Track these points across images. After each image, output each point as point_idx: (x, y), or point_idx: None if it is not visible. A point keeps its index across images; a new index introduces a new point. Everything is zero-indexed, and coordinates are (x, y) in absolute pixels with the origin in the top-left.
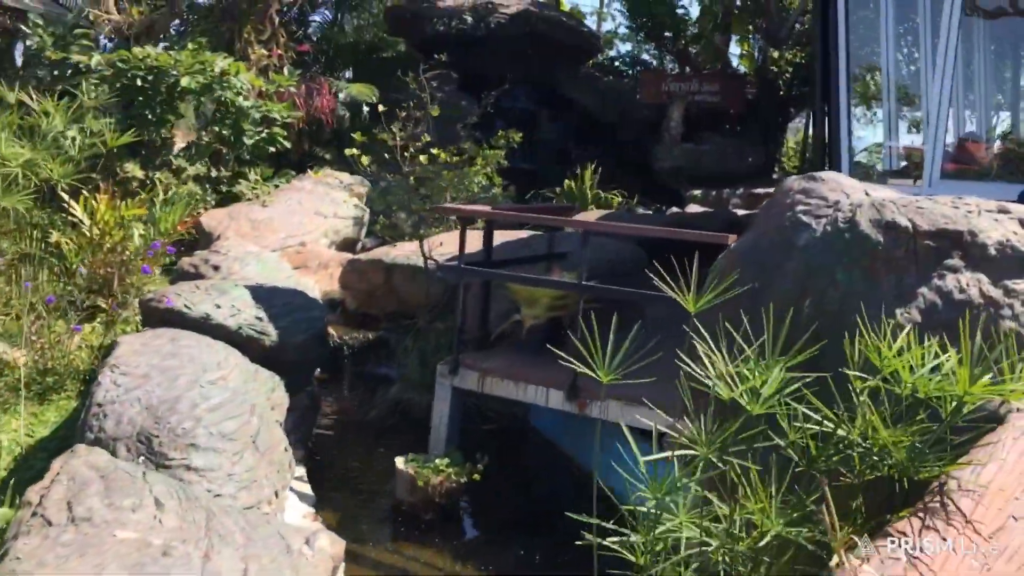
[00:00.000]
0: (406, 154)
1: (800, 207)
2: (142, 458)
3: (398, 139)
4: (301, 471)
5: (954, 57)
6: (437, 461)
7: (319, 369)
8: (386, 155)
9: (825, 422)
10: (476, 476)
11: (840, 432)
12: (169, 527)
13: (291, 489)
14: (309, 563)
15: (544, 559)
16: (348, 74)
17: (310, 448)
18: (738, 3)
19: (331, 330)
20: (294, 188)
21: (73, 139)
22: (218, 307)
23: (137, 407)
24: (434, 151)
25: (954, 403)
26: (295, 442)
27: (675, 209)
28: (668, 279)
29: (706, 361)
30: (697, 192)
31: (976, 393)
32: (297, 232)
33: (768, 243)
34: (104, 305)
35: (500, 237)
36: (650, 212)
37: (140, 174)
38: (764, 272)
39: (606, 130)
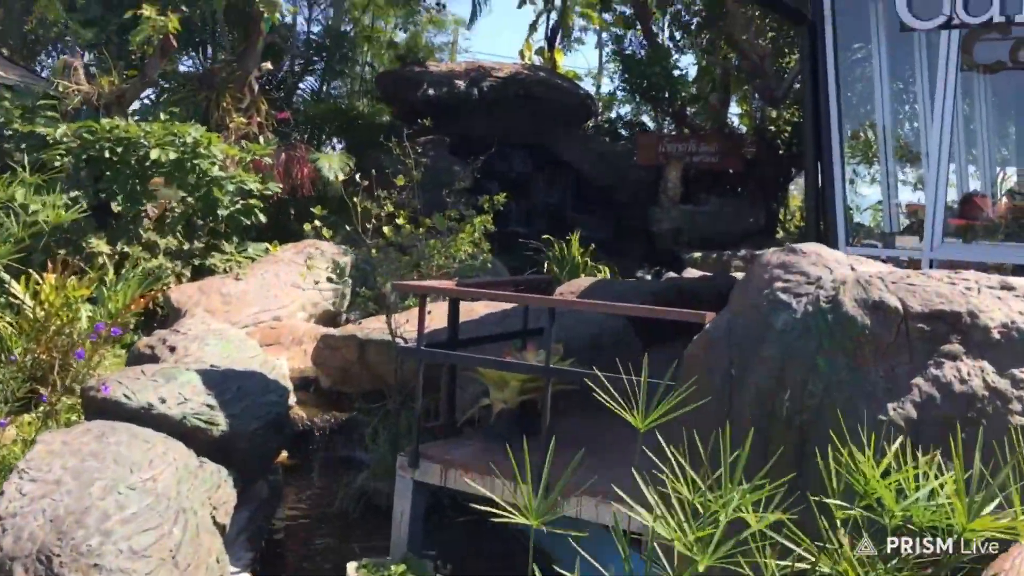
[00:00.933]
0: (395, 223)
1: (778, 284)
2: None
3: (383, 207)
4: None
5: (951, 112)
6: (393, 568)
7: (286, 453)
8: (368, 224)
9: (802, 557)
10: None
11: (823, 569)
12: None
13: None
14: None
15: None
16: (334, 141)
17: (262, 547)
18: (736, 63)
19: (301, 411)
20: (271, 260)
21: (16, 215)
22: (161, 396)
23: (40, 520)
24: (424, 219)
25: (952, 538)
26: (246, 540)
27: (671, 274)
28: (610, 396)
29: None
30: (697, 255)
31: (978, 529)
32: (272, 306)
33: (744, 325)
34: (46, 393)
35: (484, 309)
36: (647, 277)
37: (106, 249)
38: (741, 357)
39: (603, 193)
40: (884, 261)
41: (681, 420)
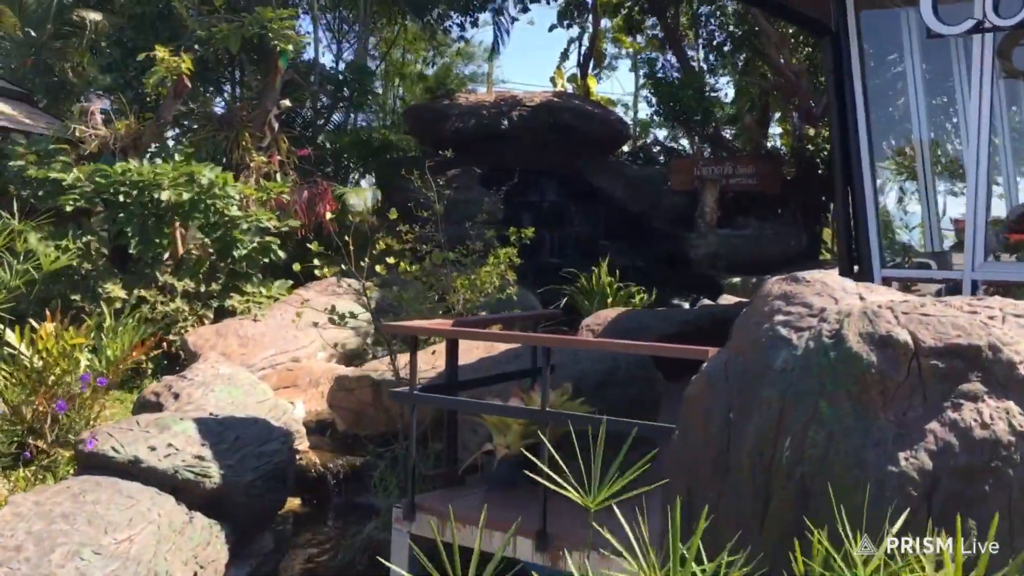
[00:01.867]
0: (418, 257)
1: (779, 317)
2: None
3: (404, 242)
4: None
5: (988, 122)
6: None
7: (299, 501)
8: (391, 262)
9: None
10: None
11: None
12: None
13: None
14: None
15: None
16: (357, 176)
17: None
18: (772, 82)
19: (315, 456)
20: (293, 299)
21: (8, 265)
22: (152, 448)
23: None
24: (449, 253)
25: None
26: None
27: (706, 301)
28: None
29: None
30: (735, 280)
31: None
32: (290, 347)
33: (742, 363)
34: (43, 447)
35: (503, 345)
36: (684, 305)
37: (122, 293)
38: (741, 399)
39: (638, 220)
40: (938, 283)
41: (679, 471)
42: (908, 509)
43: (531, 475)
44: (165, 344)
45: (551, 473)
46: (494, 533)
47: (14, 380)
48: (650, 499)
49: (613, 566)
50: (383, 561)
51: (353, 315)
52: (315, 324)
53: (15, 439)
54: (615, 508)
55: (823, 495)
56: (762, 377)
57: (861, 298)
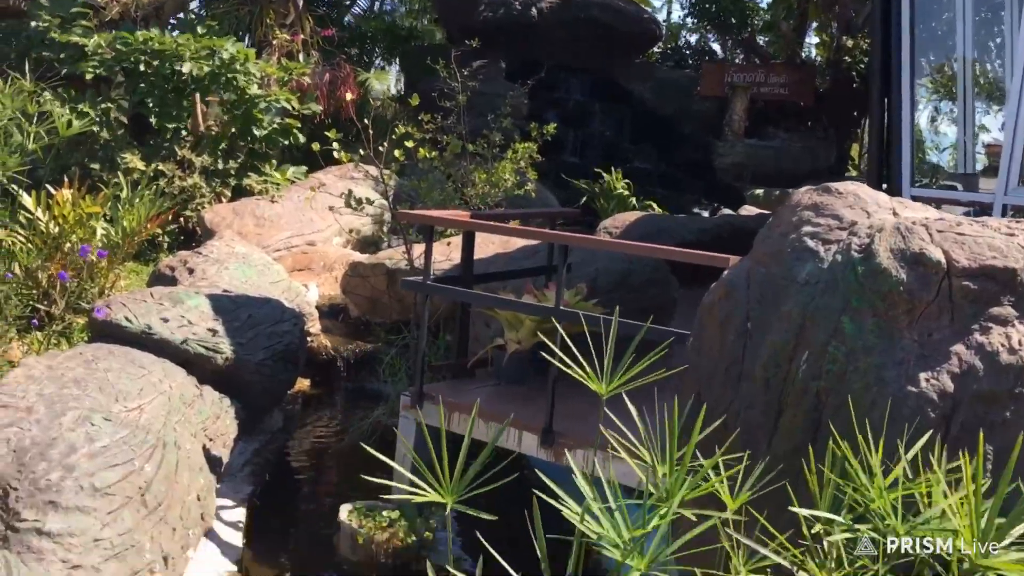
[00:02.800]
0: (443, 149)
1: (806, 228)
2: None
3: (425, 130)
4: (240, 514)
5: None
6: (385, 513)
7: (309, 382)
8: (409, 146)
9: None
10: (428, 535)
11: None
12: None
13: (215, 539)
14: None
15: None
16: (381, 62)
17: (266, 480)
18: None
19: (327, 340)
20: (311, 182)
21: (25, 129)
22: (164, 320)
23: (4, 449)
24: (469, 145)
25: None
26: (250, 473)
27: (727, 211)
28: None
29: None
30: (759, 192)
31: (996, 568)
32: (306, 231)
33: (764, 275)
34: (57, 313)
35: (520, 242)
36: (704, 214)
37: (141, 165)
38: (760, 311)
39: (665, 125)
40: (965, 205)
41: (690, 377)
42: (925, 431)
43: (541, 369)
44: (182, 220)
45: (563, 361)
46: (498, 427)
47: (30, 245)
48: (658, 408)
49: (617, 464)
50: (379, 462)
51: (369, 201)
52: (331, 208)
53: (30, 303)
54: (626, 400)
55: (838, 411)
56: (784, 289)
57: (895, 213)
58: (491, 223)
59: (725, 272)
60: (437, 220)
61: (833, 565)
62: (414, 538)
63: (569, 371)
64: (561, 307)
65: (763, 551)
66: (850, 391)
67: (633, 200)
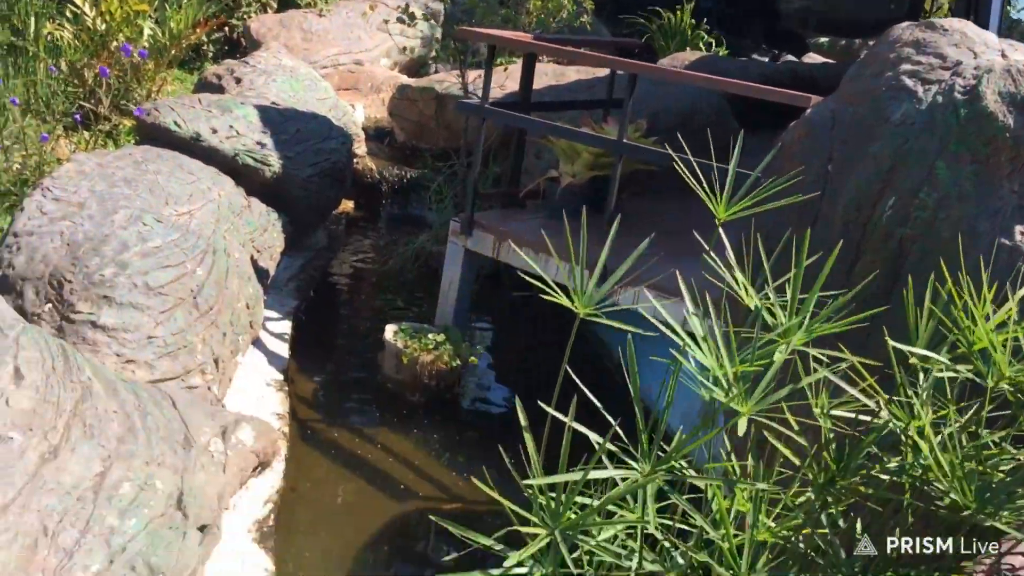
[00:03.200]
0: None
1: (905, 67)
2: (49, 306)
3: None
4: (285, 326)
5: None
6: (431, 336)
7: (353, 204)
8: None
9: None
10: (473, 359)
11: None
12: (18, 408)
13: (263, 348)
14: (213, 462)
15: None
16: None
17: (310, 297)
18: None
19: (372, 163)
20: None
21: None
22: (213, 129)
23: (57, 242)
24: None
25: None
26: (295, 288)
27: (790, 58)
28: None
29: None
30: (824, 40)
31: None
32: (354, 49)
33: (853, 114)
34: (104, 113)
35: (575, 75)
36: (764, 60)
37: None
38: (844, 152)
39: None
40: None
41: (759, 219)
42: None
43: (595, 202)
44: (227, 28)
45: (686, 174)
46: (550, 258)
47: (77, 42)
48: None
49: (669, 307)
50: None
51: (426, 17)
52: (386, 21)
53: (76, 101)
54: (697, 236)
55: (922, 261)
56: (874, 130)
57: (1004, 55)
58: (556, 45)
59: (807, 110)
60: (500, 39)
61: (927, 402)
62: (458, 362)
63: (693, 184)
64: (624, 140)
65: (850, 389)
66: (937, 239)
67: (701, 39)
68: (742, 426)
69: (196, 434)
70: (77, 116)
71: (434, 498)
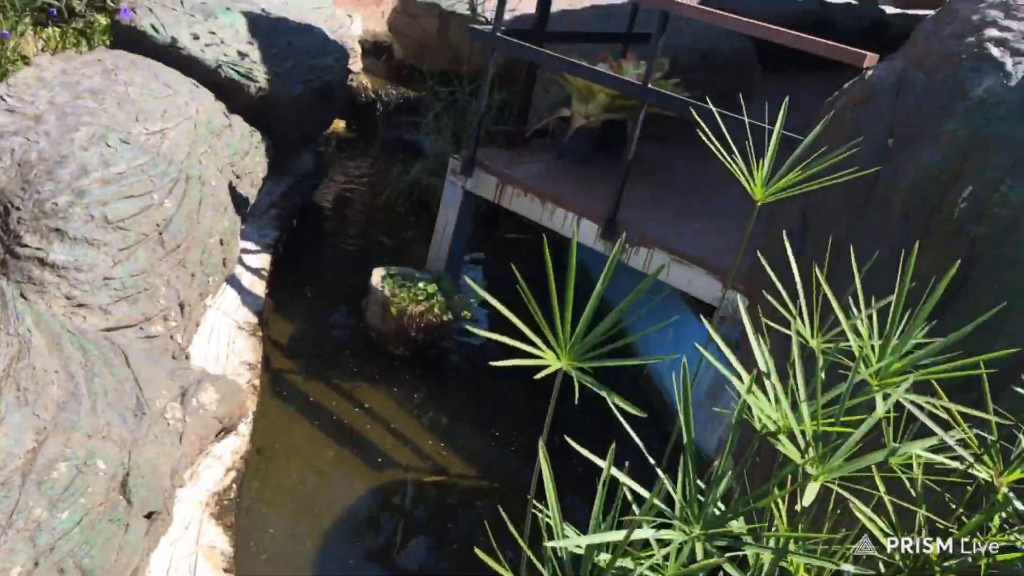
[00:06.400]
0: None
1: (990, 32)
2: None
3: None
4: (263, 260)
5: None
6: (422, 285)
7: (344, 124)
8: None
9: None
10: (466, 313)
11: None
12: None
13: (237, 286)
14: (169, 431)
15: (523, 445)
16: None
17: (292, 227)
18: None
19: (367, 81)
20: None
21: None
22: (195, 36)
23: (6, 161)
24: None
25: None
26: (276, 216)
27: None
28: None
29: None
30: None
31: None
32: None
33: (924, 82)
34: (78, 8)
35: (585, 2)
36: None
37: None
38: (909, 126)
39: None
40: None
41: (800, 198)
42: None
43: (608, 147)
44: None
45: (721, 153)
46: (557, 208)
47: None
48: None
49: (683, 271)
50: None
51: None
52: None
53: None
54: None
55: (995, 268)
56: (950, 104)
57: None
58: None
59: (868, 71)
60: None
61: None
62: (449, 315)
63: (728, 165)
64: (650, 85)
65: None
66: (1018, 245)
67: None
68: (811, 494)
69: (152, 397)
70: (52, 11)
71: (413, 468)
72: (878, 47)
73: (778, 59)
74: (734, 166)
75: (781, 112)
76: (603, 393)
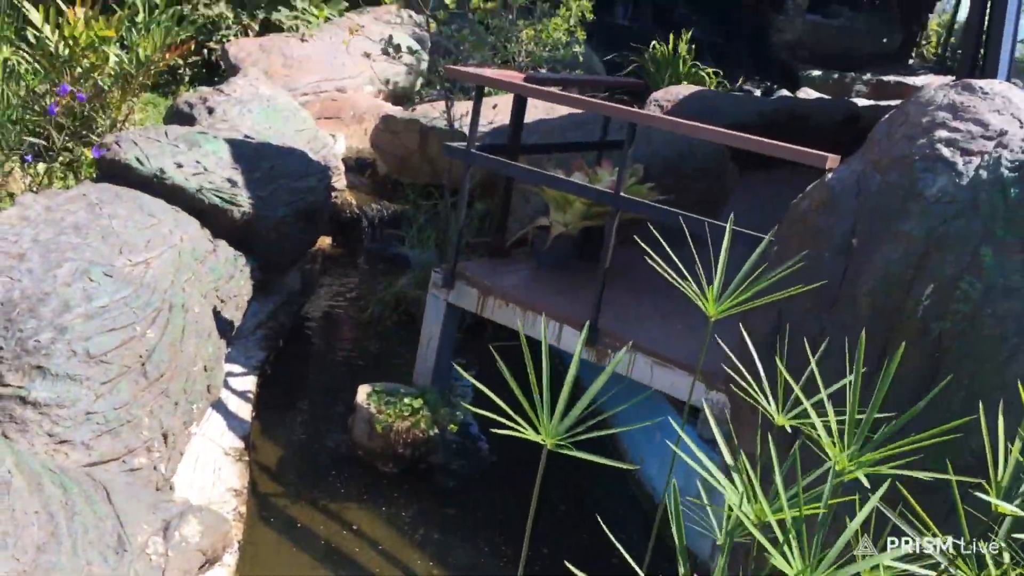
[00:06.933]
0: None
1: (941, 133)
2: None
3: None
4: (249, 383)
5: None
6: (407, 400)
7: (331, 241)
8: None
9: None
10: (453, 427)
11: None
12: None
13: (223, 411)
14: (151, 567)
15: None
16: None
17: (280, 347)
18: None
19: (352, 197)
20: (346, 23)
21: None
22: (179, 165)
23: None
24: None
25: None
26: (263, 337)
27: (785, 93)
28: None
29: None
30: (816, 73)
31: None
32: (336, 76)
33: (880, 183)
34: (67, 144)
35: (567, 109)
36: (756, 92)
37: None
38: (871, 227)
39: None
40: None
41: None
42: None
43: (587, 255)
44: (205, 51)
45: (671, 276)
46: (538, 316)
47: (36, 66)
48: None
49: (665, 373)
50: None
51: (410, 50)
52: (367, 55)
53: (37, 130)
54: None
55: (963, 361)
56: (906, 205)
57: None
58: (549, 90)
59: (828, 175)
60: (489, 80)
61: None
62: (436, 431)
63: (681, 286)
64: (622, 194)
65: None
66: (979, 339)
67: (701, 72)
68: None
69: (133, 532)
70: (28, 157)
71: None
72: (851, 139)
73: (752, 156)
74: (684, 287)
75: (728, 225)
76: (586, 457)
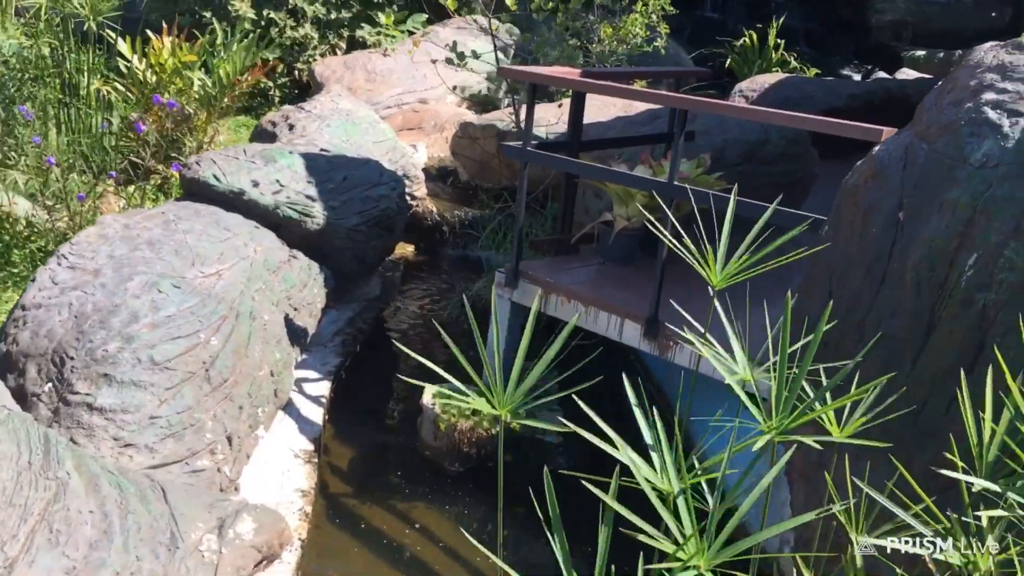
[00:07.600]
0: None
1: (988, 95)
2: (50, 385)
3: None
4: (323, 388)
5: None
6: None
7: (413, 248)
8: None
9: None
10: (516, 427)
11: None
12: None
13: (295, 414)
14: (204, 563)
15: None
16: None
17: (356, 351)
18: None
19: (432, 205)
20: (429, 35)
21: None
22: (255, 182)
23: (65, 315)
24: None
25: None
26: (340, 343)
27: (882, 74)
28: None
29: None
30: (920, 54)
31: None
32: (418, 87)
33: (927, 153)
34: (155, 167)
35: (641, 106)
36: (856, 77)
37: (251, 13)
38: (917, 198)
39: None
40: None
41: (820, 271)
42: None
43: (652, 250)
44: (296, 72)
45: (673, 244)
46: (600, 313)
47: (128, 94)
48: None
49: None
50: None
51: (475, 55)
52: (433, 61)
53: (129, 155)
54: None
55: (1010, 333)
56: (952, 172)
57: None
58: (599, 82)
59: (876, 147)
60: (540, 78)
61: (991, 547)
62: (498, 430)
63: (680, 251)
64: (675, 182)
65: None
66: None
67: (792, 60)
68: None
69: (187, 530)
70: (112, 174)
71: None
72: None
73: (837, 147)
74: (688, 255)
75: (732, 198)
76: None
